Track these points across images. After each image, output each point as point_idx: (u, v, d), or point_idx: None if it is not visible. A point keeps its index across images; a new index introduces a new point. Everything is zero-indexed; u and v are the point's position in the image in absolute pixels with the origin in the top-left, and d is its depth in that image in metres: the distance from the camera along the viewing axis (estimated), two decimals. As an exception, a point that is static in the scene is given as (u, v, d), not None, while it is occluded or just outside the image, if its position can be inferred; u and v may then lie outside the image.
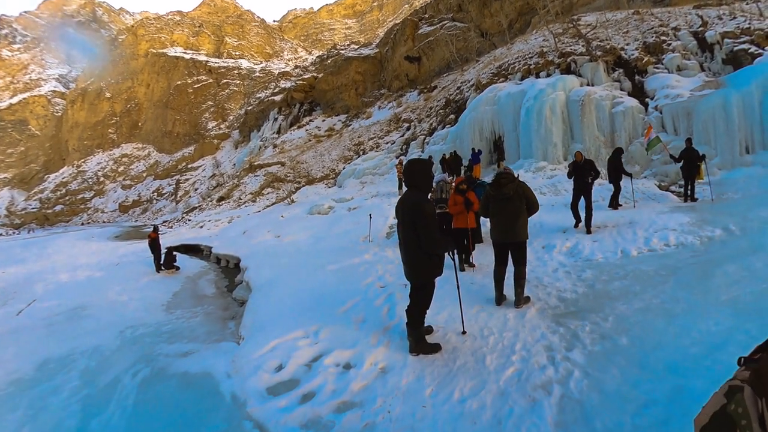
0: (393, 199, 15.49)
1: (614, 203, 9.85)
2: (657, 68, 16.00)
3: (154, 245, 12.89)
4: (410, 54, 39.37)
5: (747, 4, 19.42)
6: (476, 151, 15.38)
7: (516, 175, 4.74)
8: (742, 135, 11.73)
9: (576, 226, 8.16)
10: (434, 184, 7.95)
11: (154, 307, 8.72)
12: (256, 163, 39.17)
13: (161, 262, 12.62)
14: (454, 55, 33.92)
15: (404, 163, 3.80)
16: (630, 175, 10.10)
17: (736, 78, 12.85)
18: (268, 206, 24.94)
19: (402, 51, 40.52)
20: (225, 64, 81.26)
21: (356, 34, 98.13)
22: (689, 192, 10.37)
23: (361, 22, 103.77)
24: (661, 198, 10.85)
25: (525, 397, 2.89)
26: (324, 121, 44.77)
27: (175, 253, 13.42)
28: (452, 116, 21.80)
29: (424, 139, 22.78)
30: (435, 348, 3.68)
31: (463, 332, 3.96)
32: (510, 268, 4.62)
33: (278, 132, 50.78)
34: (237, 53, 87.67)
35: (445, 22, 38.37)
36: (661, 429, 2.40)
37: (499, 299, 4.68)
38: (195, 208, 39.31)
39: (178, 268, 12.71)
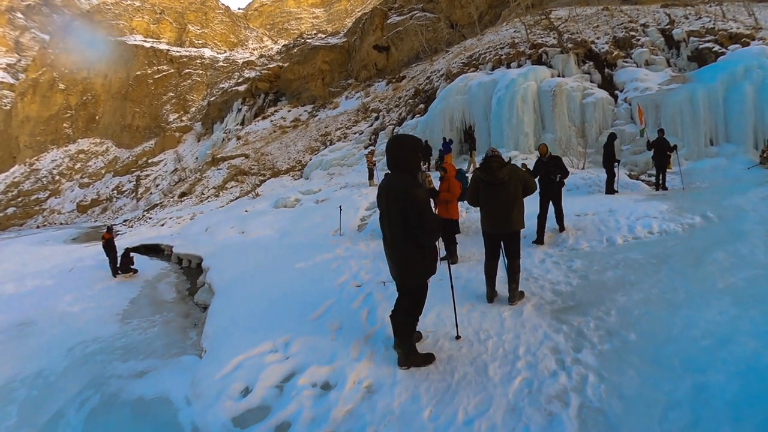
0: (363, 190, 14.96)
1: (610, 189, 9.96)
2: (626, 62, 16.45)
3: (109, 247, 11.72)
4: (379, 43, 38.70)
5: (710, 6, 20.43)
6: (447, 140, 15.09)
7: (508, 159, 4.34)
8: (707, 128, 12.18)
9: (537, 242, 6.50)
10: None
11: (108, 318, 7.88)
12: (219, 156, 37.44)
13: (117, 265, 11.52)
14: (423, 45, 33.54)
15: (389, 140, 3.13)
16: (618, 161, 10.28)
17: (701, 74, 13.32)
18: (231, 201, 23.81)
19: (370, 40, 39.79)
20: (187, 53, 77.01)
21: (324, 24, 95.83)
22: (661, 181, 10.61)
23: (329, 12, 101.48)
24: (633, 186, 10.99)
25: (540, 411, 2.51)
26: (289, 111, 43.35)
27: (132, 254, 12.31)
28: (422, 106, 21.52)
29: (393, 128, 22.45)
30: (428, 359, 3.17)
31: (457, 337, 3.50)
32: (501, 266, 4.26)
33: (242, 123, 48.84)
34: (200, 42, 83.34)
35: (415, 12, 37.93)
36: (691, 433, 2.18)
37: (491, 296, 4.27)
38: (156, 205, 37.17)
39: (136, 272, 11.65)
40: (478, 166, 4.38)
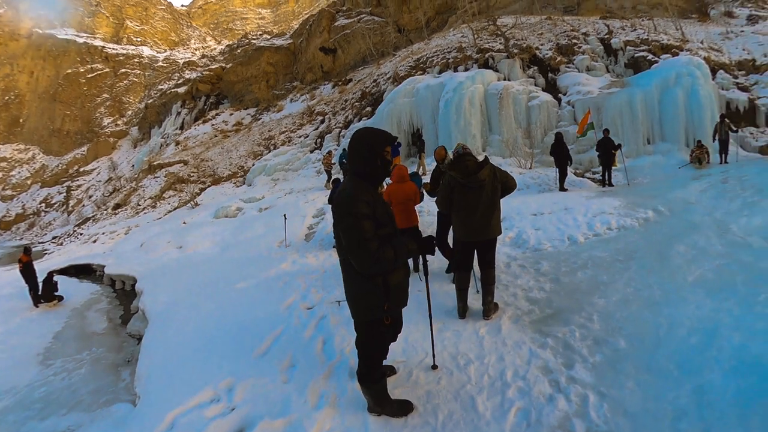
0: (310, 196, 14.30)
1: (563, 186, 10.30)
2: (568, 68, 17.37)
3: (28, 272, 10.06)
4: (326, 45, 38.00)
5: (644, 20, 22.42)
6: (396, 143, 14.89)
7: (485, 157, 3.91)
8: (645, 128, 13.16)
9: (449, 271, 5.25)
10: None
11: (26, 360, 6.65)
12: (156, 163, 34.82)
13: (39, 292, 9.94)
14: (370, 48, 33.33)
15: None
16: (571, 159, 10.70)
17: (638, 80, 14.44)
18: (169, 212, 22.09)
19: (317, 42, 38.99)
20: (124, 51, 70.73)
21: (270, 25, 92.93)
22: (607, 178, 11.07)
23: (276, 13, 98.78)
24: (580, 184, 11.39)
25: (544, 447, 2.15)
26: (232, 114, 41.38)
27: (56, 279, 10.66)
28: (369, 108, 21.34)
29: (340, 132, 22.09)
30: (404, 408, 2.59)
31: (434, 366, 3.03)
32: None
33: (181, 127, 45.85)
34: (138, 39, 76.96)
35: (363, 15, 37.71)
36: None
37: (463, 311, 3.86)
38: (88, 219, 33.71)
39: (61, 299, 10.13)
40: (448, 162, 3.94)
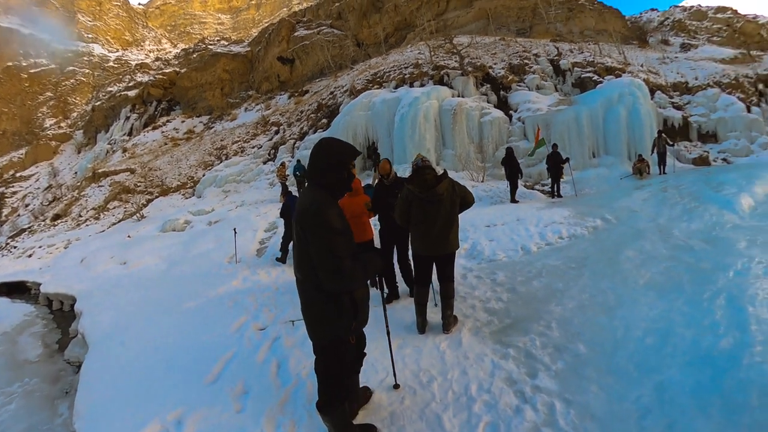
0: (262, 209, 13.91)
1: (513, 197, 10.75)
2: (519, 86, 18.35)
3: None
4: (284, 55, 37.57)
5: (590, 44, 24.40)
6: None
7: (443, 170, 3.92)
8: (590, 142, 14.21)
9: (389, 301, 4.75)
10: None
11: None
12: (101, 171, 32.57)
13: None
14: (328, 60, 33.31)
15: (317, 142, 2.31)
16: (522, 173, 11.24)
17: (584, 98, 15.73)
18: (114, 224, 20.67)
19: (275, 52, 38.46)
20: (74, 48, 65.84)
21: (229, 31, 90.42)
22: (556, 189, 11.67)
23: (236, 20, 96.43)
24: (530, 195, 11.92)
25: (516, 462, 2.14)
26: (183, 122, 39.71)
27: None
28: (324, 120, 21.24)
29: (294, 143, 21.80)
30: None
31: (396, 386, 2.94)
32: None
33: (130, 133, 43.31)
34: (90, 36, 71.50)
35: (323, 27, 37.73)
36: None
37: (423, 325, 3.81)
38: (24, 230, 30.67)
39: None
40: (407, 176, 3.94)
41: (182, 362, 4.06)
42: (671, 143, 13.46)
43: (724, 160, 15.74)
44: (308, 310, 2.26)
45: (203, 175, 23.62)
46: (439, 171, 3.76)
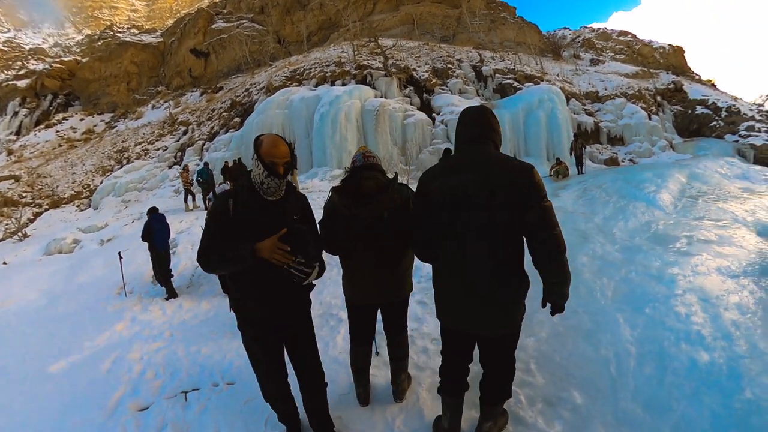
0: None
1: None
2: (442, 90, 18.36)
3: None
4: (198, 48, 34.47)
5: (510, 54, 26.05)
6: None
7: (394, 174, 2.46)
8: (512, 145, 14.60)
9: None
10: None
11: None
12: (-28, 178, 27.06)
13: None
14: (246, 56, 30.98)
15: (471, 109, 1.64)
16: None
17: (506, 103, 16.32)
18: (-11, 246, 16.74)
19: (190, 44, 35.18)
20: None
21: (142, 20, 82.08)
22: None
23: (151, 8, 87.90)
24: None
25: None
26: (82, 120, 34.84)
27: None
28: (237, 119, 19.55)
29: (203, 144, 19.79)
30: None
31: None
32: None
33: (18, 132, 37.25)
34: None
35: (244, 21, 35.23)
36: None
37: (365, 396, 2.57)
38: None
39: None
40: (337, 185, 2.35)
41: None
42: (585, 146, 14.27)
43: (631, 160, 17.63)
44: (495, 297, 1.86)
45: (101, 183, 20.45)
46: (390, 175, 2.34)
